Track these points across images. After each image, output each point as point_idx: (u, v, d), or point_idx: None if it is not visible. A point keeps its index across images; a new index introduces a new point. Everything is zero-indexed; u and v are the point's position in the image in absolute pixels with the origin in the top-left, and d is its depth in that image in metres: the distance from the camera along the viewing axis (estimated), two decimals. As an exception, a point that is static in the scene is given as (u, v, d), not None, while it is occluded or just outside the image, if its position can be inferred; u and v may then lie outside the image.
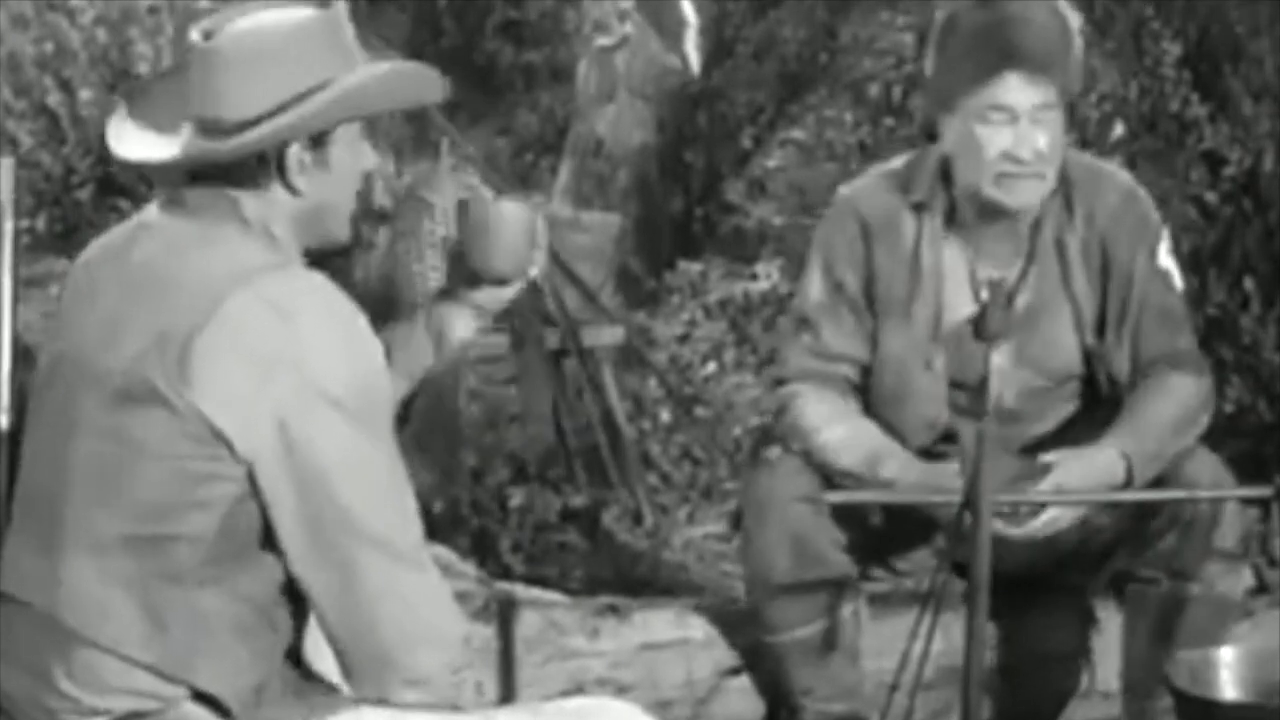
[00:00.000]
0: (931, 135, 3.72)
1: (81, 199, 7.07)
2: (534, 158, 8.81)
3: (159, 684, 2.58)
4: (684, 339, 6.98)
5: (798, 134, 8.01)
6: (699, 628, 3.98)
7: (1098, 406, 3.72)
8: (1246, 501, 3.62)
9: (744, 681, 3.94)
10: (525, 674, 3.87)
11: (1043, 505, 3.51)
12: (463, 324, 2.95)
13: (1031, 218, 3.69)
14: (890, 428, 3.70)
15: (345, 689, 2.67)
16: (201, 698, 2.60)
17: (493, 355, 5.84)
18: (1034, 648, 3.93)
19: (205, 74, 2.63)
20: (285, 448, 2.54)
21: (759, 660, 3.85)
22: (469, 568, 4.43)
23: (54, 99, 7.33)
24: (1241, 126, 5.40)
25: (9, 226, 3.65)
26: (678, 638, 3.96)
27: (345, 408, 2.55)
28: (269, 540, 2.59)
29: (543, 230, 2.95)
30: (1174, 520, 3.61)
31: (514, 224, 2.92)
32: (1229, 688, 3.18)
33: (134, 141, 2.71)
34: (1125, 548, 3.71)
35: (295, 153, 2.64)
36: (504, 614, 3.90)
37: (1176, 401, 3.65)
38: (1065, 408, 3.76)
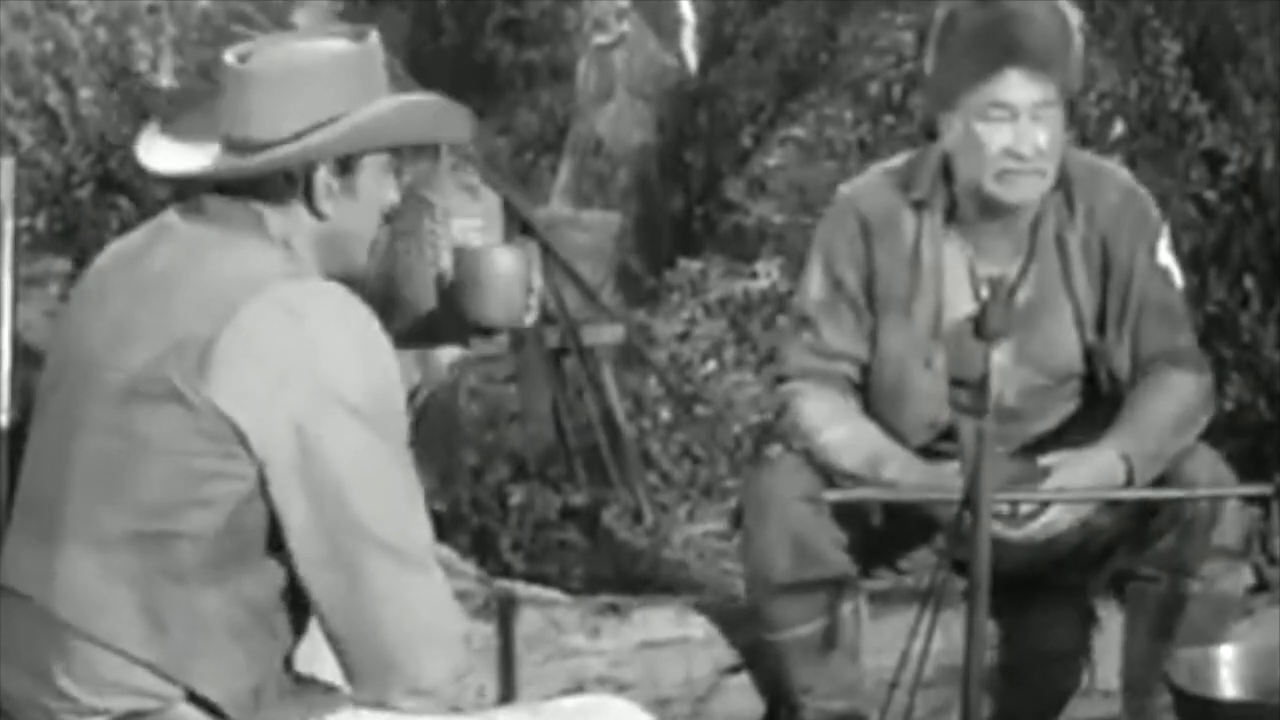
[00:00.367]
0: (932, 133, 3.73)
1: (81, 198, 7.07)
2: (534, 156, 8.82)
3: (157, 683, 2.58)
4: (684, 337, 7.00)
5: (798, 132, 8.01)
6: (699, 626, 3.98)
7: (1098, 405, 3.72)
8: (1247, 500, 3.62)
9: (744, 680, 3.94)
10: (525, 672, 3.87)
11: (1042, 507, 3.51)
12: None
13: (1031, 215, 3.69)
14: (890, 426, 3.70)
15: (345, 689, 2.67)
16: (198, 700, 2.60)
17: (492, 354, 5.84)
18: (1034, 646, 3.93)
19: (237, 95, 2.67)
20: (300, 452, 2.55)
21: (759, 658, 3.85)
22: (469, 566, 4.44)
23: (54, 98, 7.32)
24: (1241, 125, 5.41)
25: (9, 225, 3.65)
26: (678, 636, 3.96)
27: (361, 413, 2.57)
28: (273, 542, 2.59)
29: (537, 278, 2.95)
30: (1174, 519, 3.61)
31: (508, 274, 2.89)
32: (1229, 686, 3.17)
33: (164, 155, 2.75)
34: (1125, 546, 3.71)
35: (323, 176, 2.67)
36: (504, 612, 3.91)
37: (1176, 400, 3.65)
38: (1066, 406, 3.76)
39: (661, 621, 3.98)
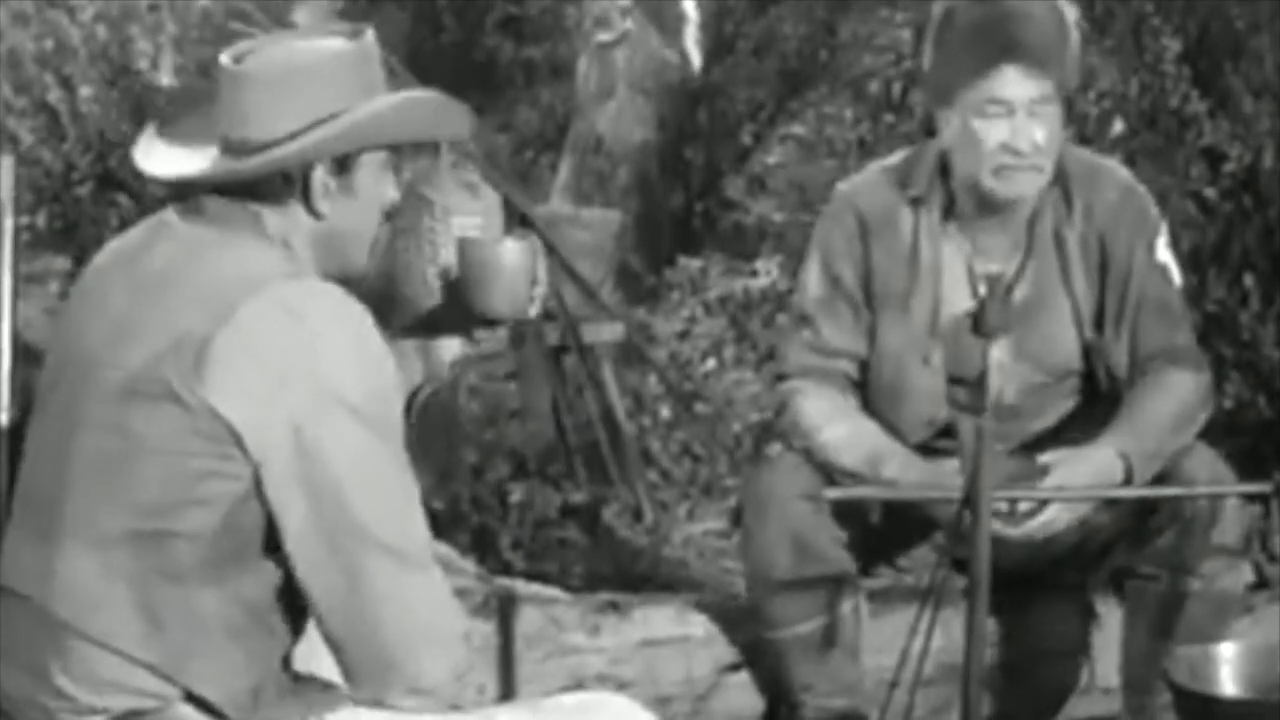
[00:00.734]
0: (932, 131, 3.73)
1: (82, 196, 7.06)
2: (534, 154, 8.82)
3: (155, 682, 2.58)
4: (684, 335, 7.00)
5: (798, 130, 8.02)
6: (699, 624, 3.98)
7: (1097, 402, 3.72)
8: (1246, 498, 3.62)
9: (744, 678, 3.94)
10: (525, 670, 3.87)
11: (1041, 505, 3.51)
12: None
13: (1029, 212, 3.69)
14: (889, 424, 3.70)
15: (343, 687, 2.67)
16: (196, 699, 2.60)
17: (492, 352, 5.84)
18: (1034, 644, 3.93)
19: (233, 96, 2.67)
20: (298, 452, 2.54)
21: (759, 656, 3.85)
22: (469, 564, 4.44)
23: (54, 96, 7.32)
24: (1241, 123, 5.40)
25: (9, 223, 3.66)
26: (678, 634, 3.96)
27: (360, 414, 2.56)
28: (270, 542, 2.59)
29: (542, 271, 2.94)
30: (1173, 517, 3.61)
31: (515, 266, 2.89)
32: (1229, 683, 3.17)
33: (161, 158, 2.75)
34: (1125, 544, 3.71)
35: (320, 176, 2.67)
36: (504, 610, 3.91)
37: (1175, 398, 3.65)
38: (1065, 404, 3.76)
39: (661, 619, 3.99)
